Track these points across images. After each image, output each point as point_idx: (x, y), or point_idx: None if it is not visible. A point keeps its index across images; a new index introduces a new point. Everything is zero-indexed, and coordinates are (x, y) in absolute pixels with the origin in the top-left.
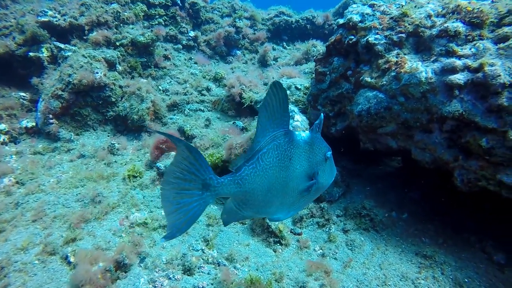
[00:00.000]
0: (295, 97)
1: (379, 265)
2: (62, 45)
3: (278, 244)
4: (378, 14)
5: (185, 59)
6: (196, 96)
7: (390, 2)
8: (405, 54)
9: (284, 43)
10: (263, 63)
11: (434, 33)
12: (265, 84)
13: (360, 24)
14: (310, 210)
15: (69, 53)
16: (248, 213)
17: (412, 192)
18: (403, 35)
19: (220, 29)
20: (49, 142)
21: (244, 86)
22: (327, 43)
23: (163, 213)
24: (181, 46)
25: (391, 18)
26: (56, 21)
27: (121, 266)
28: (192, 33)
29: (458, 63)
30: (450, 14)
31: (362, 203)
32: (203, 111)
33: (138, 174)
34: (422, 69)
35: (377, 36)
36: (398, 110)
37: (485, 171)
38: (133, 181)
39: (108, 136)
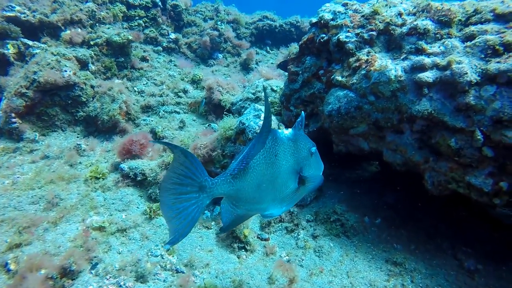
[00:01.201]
0: (270, 98)
1: (346, 273)
2: (30, 42)
3: (243, 250)
4: (350, 12)
5: (164, 61)
6: (172, 98)
7: (365, 2)
8: (376, 52)
9: (268, 48)
10: (245, 67)
11: (404, 31)
12: (245, 87)
13: (331, 22)
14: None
15: (38, 51)
16: (242, 211)
17: (387, 196)
18: (373, 33)
19: (206, 36)
20: (11, 142)
21: (221, 88)
22: (300, 42)
23: (123, 216)
24: (161, 48)
25: (363, 16)
26: (24, 17)
27: (67, 273)
28: (172, 35)
29: (427, 60)
30: (420, 12)
31: (333, 207)
32: (178, 113)
33: (101, 175)
34: (392, 66)
35: (348, 34)
36: (369, 109)
37: (455, 173)
38: (95, 183)
39: (77, 137)
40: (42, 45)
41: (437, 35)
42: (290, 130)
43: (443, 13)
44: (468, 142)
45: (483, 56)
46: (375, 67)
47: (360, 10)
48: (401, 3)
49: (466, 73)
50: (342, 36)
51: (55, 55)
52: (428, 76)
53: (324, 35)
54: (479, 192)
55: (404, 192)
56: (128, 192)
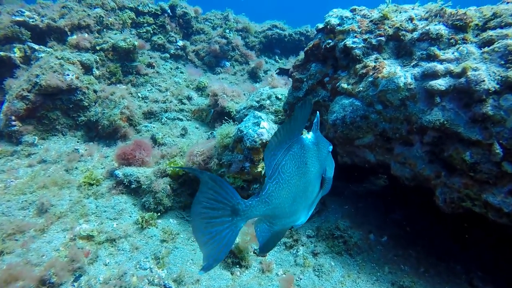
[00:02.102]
0: (275, 107)
1: None
2: (36, 46)
3: (237, 266)
4: (358, 17)
5: (171, 68)
6: (176, 105)
7: (374, 8)
8: (384, 59)
9: (277, 57)
10: (253, 76)
11: (415, 36)
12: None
13: (338, 27)
14: None
15: (43, 55)
16: (278, 227)
17: (395, 212)
18: (382, 38)
19: (215, 44)
20: (10, 145)
21: (225, 96)
22: (306, 48)
23: (114, 225)
24: (169, 55)
25: (371, 21)
26: (33, 21)
27: (46, 286)
28: (180, 43)
29: (440, 67)
30: (433, 17)
31: (336, 223)
32: (181, 120)
33: (95, 181)
34: (401, 73)
35: (355, 39)
36: (376, 119)
37: (470, 190)
38: (88, 189)
39: (77, 142)
40: (48, 49)
41: (451, 41)
42: (311, 133)
43: (457, 17)
44: (485, 156)
45: (503, 62)
46: (383, 74)
47: (368, 16)
48: (413, 8)
49: (483, 81)
50: (348, 42)
51: (59, 59)
52: (440, 83)
53: (330, 41)
54: (497, 212)
55: (414, 208)
56: (122, 200)
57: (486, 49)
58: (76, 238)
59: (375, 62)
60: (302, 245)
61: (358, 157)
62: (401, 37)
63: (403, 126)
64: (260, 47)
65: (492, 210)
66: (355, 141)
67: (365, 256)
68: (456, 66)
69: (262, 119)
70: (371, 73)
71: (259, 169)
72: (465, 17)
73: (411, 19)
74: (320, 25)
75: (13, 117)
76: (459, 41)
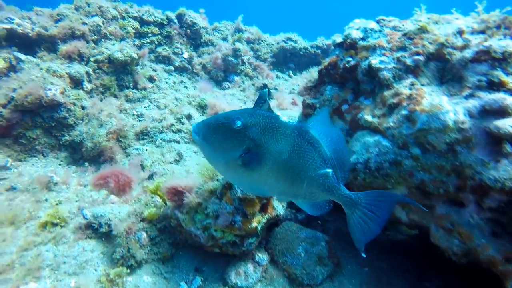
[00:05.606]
0: None
1: None
2: (22, 56)
3: None
4: (387, 30)
5: (174, 82)
6: (173, 124)
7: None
8: (423, 84)
9: (291, 71)
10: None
11: (468, 55)
12: None
13: (361, 42)
14: None
15: (27, 66)
16: None
17: (430, 281)
18: (420, 57)
19: (217, 52)
20: None
21: None
22: (320, 67)
23: (72, 284)
24: (173, 68)
25: (404, 35)
26: (22, 29)
27: None
28: (186, 54)
29: (510, 100)
30: (494, 29)
31: None
32: (178, 142)
33: (59, 220)
34: (449, 107)
35: (383, 58)
36: (411, 166)
37: None
38: (50, 231)
39: (60, 164)
40: (35, 59)
41: None
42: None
43: None
44: None
45: None
46: (422, 106)
47: (400, 28)
48: (457, 18)
49: None
50: (375, 61)
51: (42, 70)
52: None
53: (350, 59)
54: None
55: (456, 276)
56: (88, 248)
57: None
58: None
59: (410, 89)
60: None
61: None
62: (447, 56)
63: (451, 179)
64: (273, 61)
65: None
66: None
67: None
68: None
69: None
70: (405, 104)
71: (254, 224)
72: None
73: (460, 32)
74: (338, 39)
75: None
76: None
